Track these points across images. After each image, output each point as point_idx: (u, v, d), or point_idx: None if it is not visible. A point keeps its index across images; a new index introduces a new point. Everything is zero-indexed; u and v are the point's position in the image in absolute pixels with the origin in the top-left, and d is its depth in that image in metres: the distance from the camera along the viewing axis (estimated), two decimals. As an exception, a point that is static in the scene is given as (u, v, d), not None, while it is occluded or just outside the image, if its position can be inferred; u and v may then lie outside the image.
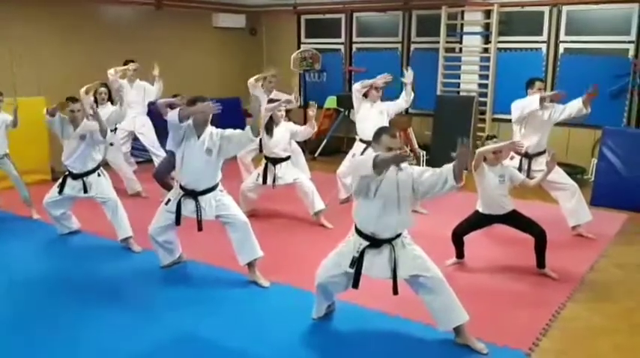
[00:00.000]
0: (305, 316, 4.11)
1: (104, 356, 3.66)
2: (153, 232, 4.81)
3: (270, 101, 6.47)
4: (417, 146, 9.53)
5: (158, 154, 7.57)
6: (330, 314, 4.15)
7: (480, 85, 9.43)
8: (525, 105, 5.73)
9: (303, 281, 4.44)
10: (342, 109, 10.08)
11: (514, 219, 4.88)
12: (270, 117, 6.22)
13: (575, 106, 5.75)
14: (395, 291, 3.67)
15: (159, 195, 6.28)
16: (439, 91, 9.54)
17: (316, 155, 10.00)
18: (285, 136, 6.31)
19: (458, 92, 9.66)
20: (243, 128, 4.59)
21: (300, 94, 11.34)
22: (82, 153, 5.41)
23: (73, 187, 5.46)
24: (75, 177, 5.46)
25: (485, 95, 9.28)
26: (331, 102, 10.33)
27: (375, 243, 3.67)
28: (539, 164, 5.74)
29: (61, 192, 5.47)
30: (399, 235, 3.70)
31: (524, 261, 5.01)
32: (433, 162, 8.97)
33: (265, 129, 6.14)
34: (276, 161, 6.25)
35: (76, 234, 5.86)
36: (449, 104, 9.34)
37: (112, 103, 7.12)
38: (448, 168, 3.55)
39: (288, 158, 6.33)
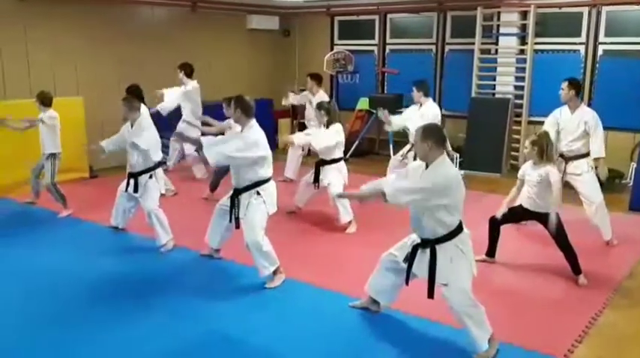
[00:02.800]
0: (338, 318, 4.12)
1: (138, 353, 3.69)
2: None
3: (317, 106, 6.51)
4: (450, 148, 9.41)
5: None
6: (372, 314, 4.15)
7: (516, 87, 9.28)
8: None
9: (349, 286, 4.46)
10: (374, 111, 10.02)
11: (546, 224, 4.75)
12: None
13: (594, 146, 5.57)
14: (429, 295, 3.61)
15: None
16: (474, 93, 9.43)
17: (347, 156, 9.96)
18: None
19: (493, 94, 9.53)
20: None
21: (332, 96, 11.41)
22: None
23: (130, 185, 5.59)
24: (130, 175, 5.59)
25: (521, 97, 9.13)
26: (363, 103, 10.30)
27: (421, 242, 3.66)
28: (575, 168, 5.63)
29: (126, 189, 5.62)
30: (444, 237, 3.58)
31: (561, 262, 4.88)
32: (466, 164, 8.89)
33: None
34: (321, 163, 6.30)
35: (119, 232, 5.94)
36: (483, 106, 9.22)
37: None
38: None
39: (331, 161, 6.24)
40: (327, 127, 6.22)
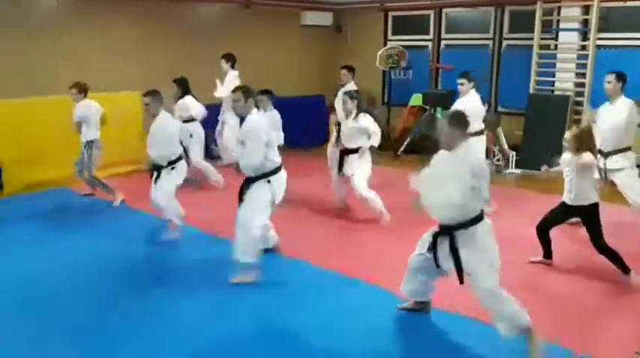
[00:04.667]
0: (385, 314, 4.07)
1: (184, 342, 3.75)
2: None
3: (345, 93, 6.40)
4: (506, 146, 9.20)
5: None
6: (419, 313, 4.09)
7: (576, 84, 8.96)
8: None
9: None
10: (427, 107, 9.88)
11: (587, 218, 4.63)
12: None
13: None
14: (460, 281, 3.59)
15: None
16: (532, 90, 9.15)
17: (399, 153, 9.87)
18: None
19: (552, 91, 9.23)
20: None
21: (384, 92, 11.31)
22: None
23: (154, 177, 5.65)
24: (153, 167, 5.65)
25: (581, 94, 8.80)
26: (416, 99, 10.15)
27: (440, 229, 3.66)
28: (615, 163, 5.50)
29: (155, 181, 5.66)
30: (463, 224, 3.54)
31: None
32: (523, 163, 8.65)
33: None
34: (345, 152, 6.25)
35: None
36: (542, 103, 8.94)
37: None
38: None
39: (356, 150, 6.18)
40: (356, 116, 6.14)
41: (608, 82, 5.55)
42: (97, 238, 5.66)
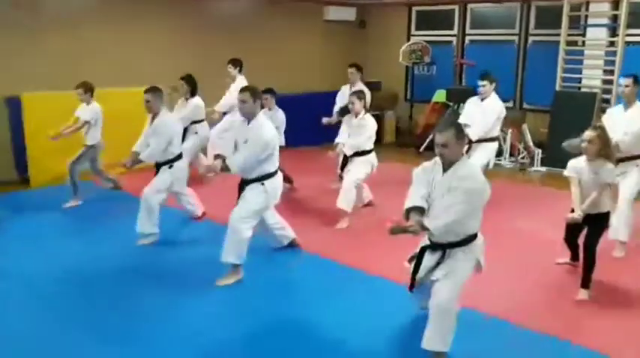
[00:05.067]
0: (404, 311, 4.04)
1: (198, 339, 3.76)
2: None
3: (352, 93, 6.19)
4: (531, 143, 9.08)
5: None
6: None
7: (604, 81, 8.79)
8: None
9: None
10: (450, 103, 9.78)
11: (595, 224, 4.34)
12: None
13: None
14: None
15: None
16: (558, 87, 9.00)
17: (421, 150, 9.79)
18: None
19: (578, 88, 9.07)
20: None
21: (406, 88, 11.24)
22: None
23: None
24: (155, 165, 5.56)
25: (609, 92, 8.64)
26: (440, 96, 10.06)
27: (432, 245, 3.48)
28: (624, 167, 5.12)
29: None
30: (459, 243, 3.38)
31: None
32: (549, 161, 8.53)
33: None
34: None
35: (197, 220, 6.06)
36: (568, 100, 8.79)
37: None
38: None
39: (361, 153, 6.02)
40: (363, 116, 5.99)
41: (626, 86, 5.22)
42: (113, 232, 5.71)
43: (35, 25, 7.71)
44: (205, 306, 4.20)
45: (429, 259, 3.45)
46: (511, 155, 9.33)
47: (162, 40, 8.90)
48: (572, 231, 4.58)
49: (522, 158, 9.23)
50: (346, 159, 6.09)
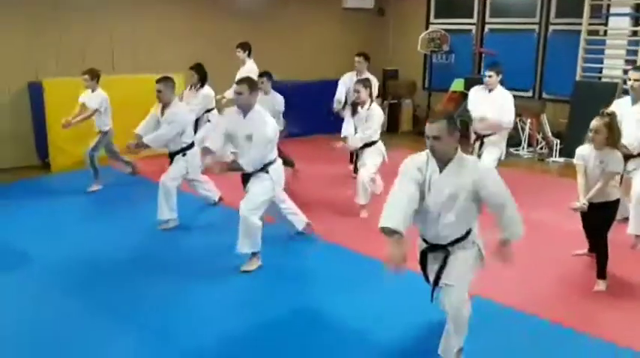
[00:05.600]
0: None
1: (218, 327, 3.82)
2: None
3: (358, 82, 5.97)
4: (550, 134, 9.00)
5: None
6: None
7: (625, 72, 8.65)
8: None
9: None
10: (468, 93, 9.69)
11: (598, 215, 4.29)
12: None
13: None
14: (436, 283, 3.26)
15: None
16: (578, 77, 8.89)
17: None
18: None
19: (599, 78, 8.96)
20: None
21: (424, 76, 11.17)
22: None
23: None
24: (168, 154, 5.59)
25: (630, 82, 8.52)
26: (458, 85, 9.99)
27: (430, 246, 3.31)
28: (636, 164, 5.03)
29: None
30: (460, 238, 3.22)
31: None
32: (567, 151, 8.44)
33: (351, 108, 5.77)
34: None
35: (215, 205, 6.14)
36: (588, 91, 8.67)
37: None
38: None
39: (370, 144, 5.85)
40: (370, 107, 5.76)
41: (635, 80, 5.01)
42: (133, 217, 5.79)
43: (56, 13, 7.78)
44: (227, 293, 4.26)
45: (433, 261, 3.28)
46: (529, 145, 9.25)
47: (179, 27, 8.93)
48: (587, 220, 4.51)
49: (541, 148, 9.16)
50: (355, 152, 5.97)
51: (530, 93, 9.83)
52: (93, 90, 6.57)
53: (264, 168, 4.55)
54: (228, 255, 4.67)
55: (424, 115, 10.93)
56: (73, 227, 5.54)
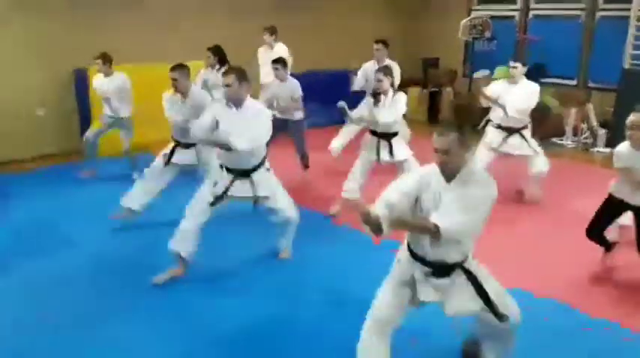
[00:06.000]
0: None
1: (247, 312, 3.87)
2: None
3: (379, 70, 5.44)
4: (595, 123, 8.76)
5: None
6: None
7: (677, 59, 8.36)
8: None
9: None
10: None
11: None
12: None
13: None
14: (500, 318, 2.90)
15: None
16: (626, 64, 8.61)
17: (480, 127, 9.58)
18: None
19: (649, 66, 8.66)
20: None
21: (466, 63, 10.98)
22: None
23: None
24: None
25: (682, 70, 8.22)
26: (500, 72, 9.78)
27: (435, 269, 2.91)
28: None
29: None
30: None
31: None
32: (613, 141, 8.20)
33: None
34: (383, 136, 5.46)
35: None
36: (637, 79, 8.39)
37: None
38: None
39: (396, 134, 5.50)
40: (394, 96, 5.31)
41: None
42: (173, 203, 5.83)
43: (101, 1, 7.93)
44: (258, 281, 4.32)
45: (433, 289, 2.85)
46: (574, 135, 9.03)
47: (219, 16, 8.98)
48: (607, 218, 4.22)
49: (585, 138, 8.93)
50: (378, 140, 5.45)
51: (574, 82, 9.57)
52: (106, 75, 6.44)
53: (261, 164, 4.29)
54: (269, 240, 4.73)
55: (464, 103, 10.77)
56: (113, 212, 5.58)
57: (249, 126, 4.00)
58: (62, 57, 7.72)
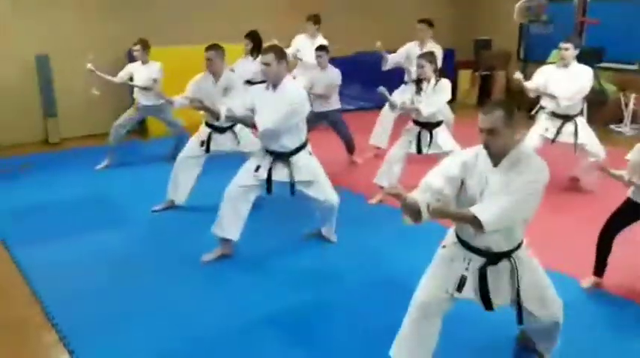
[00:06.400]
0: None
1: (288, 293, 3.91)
2: None
3: (421, 56, 5.23)
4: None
5: None
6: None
7: None
8: None
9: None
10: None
11: None
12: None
13: None
14: (520, 321, 2.82)
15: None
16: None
17: (533, 113, 9.31)
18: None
19: None
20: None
21: (520, 46, 10.66)
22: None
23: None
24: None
25: None
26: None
27: (487, 257, 2.77)
28: None
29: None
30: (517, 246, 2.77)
31: None
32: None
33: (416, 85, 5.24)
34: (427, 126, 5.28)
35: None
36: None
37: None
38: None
39: (439, 123, 5.33)
40: (437, 83, 5.13)
41: None
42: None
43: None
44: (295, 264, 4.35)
45: (495, 279, 2.73)
46: (633, 122, 8.68)
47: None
48: (619, 224, 3.90)
49: None
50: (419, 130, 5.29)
51: (635, 66, 9.17)
52: (144, 62, 6.34)
53: (302, 147, 4.20)
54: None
55: (518, 87, 10.48)
56: (161, 194, 5.52)
57: (279, 107, 3.91)
58: (111, 40, 7.86)
